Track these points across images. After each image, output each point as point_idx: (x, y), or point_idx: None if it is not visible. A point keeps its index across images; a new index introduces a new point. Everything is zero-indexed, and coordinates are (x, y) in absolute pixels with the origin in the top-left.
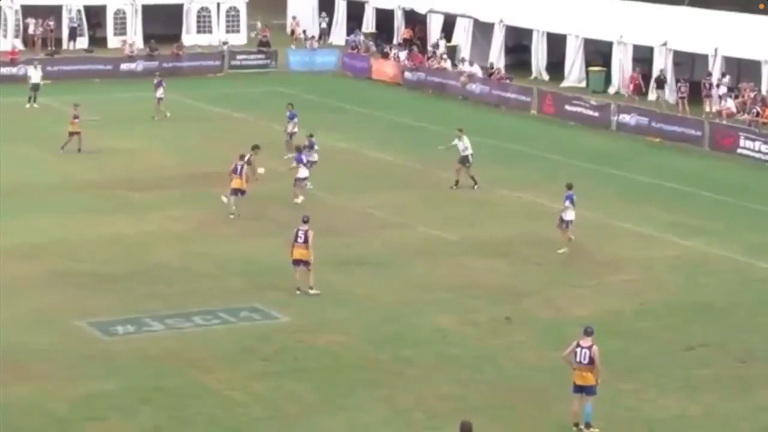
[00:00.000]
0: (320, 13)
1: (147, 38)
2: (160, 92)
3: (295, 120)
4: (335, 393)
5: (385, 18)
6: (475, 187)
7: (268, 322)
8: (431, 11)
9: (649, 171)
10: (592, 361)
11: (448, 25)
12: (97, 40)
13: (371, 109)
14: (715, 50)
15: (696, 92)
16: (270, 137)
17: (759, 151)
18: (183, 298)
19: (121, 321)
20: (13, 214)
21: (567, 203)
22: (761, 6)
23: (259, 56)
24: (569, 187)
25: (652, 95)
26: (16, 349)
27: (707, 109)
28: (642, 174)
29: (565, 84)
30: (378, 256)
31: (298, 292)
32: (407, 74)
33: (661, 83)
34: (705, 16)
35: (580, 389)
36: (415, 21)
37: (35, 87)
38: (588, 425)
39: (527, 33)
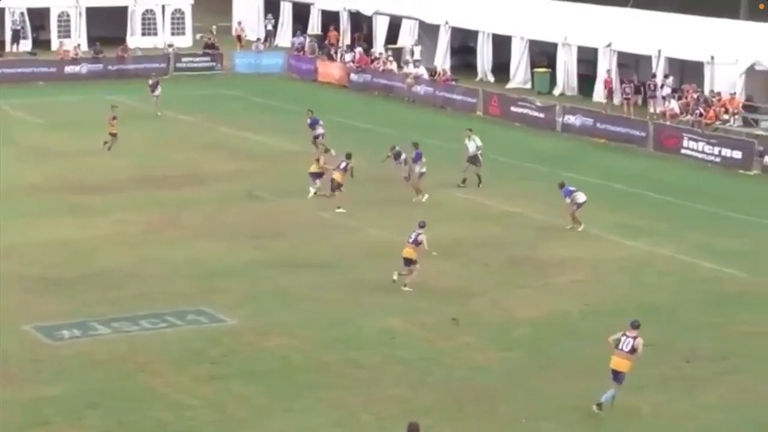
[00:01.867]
0: (266, 15)
1: (91, 41)
2: (158, 91)
3: (320, 123)
4: (283, 395)
5: (331, 20)
6: (480, 185)
7: (215, 325)
8: (377, 13)
9: (594, 172)
10: (633, 350)
11: (394, 27)
12: (41, 43)
13: (318, 112)
14: (659, 52)
15: (641, 93)
16: (217, 139)
17: (702, 152)
18: (130, 301)
19: (67, 325)
20: None
21: (567, 199)
22: (761, 6)
23: (205, 59)
24: (561, 185)
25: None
26: None
27: (651, 110)
28: (588, 175)
29: (510, 85)
30: (325, 258)
31: (395, 277)
32: (353, 76)
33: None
34: (648, 18)
35: (616, 375)
36: (361, 23)
37: None
38: (600, 406)
39: (473, 35)
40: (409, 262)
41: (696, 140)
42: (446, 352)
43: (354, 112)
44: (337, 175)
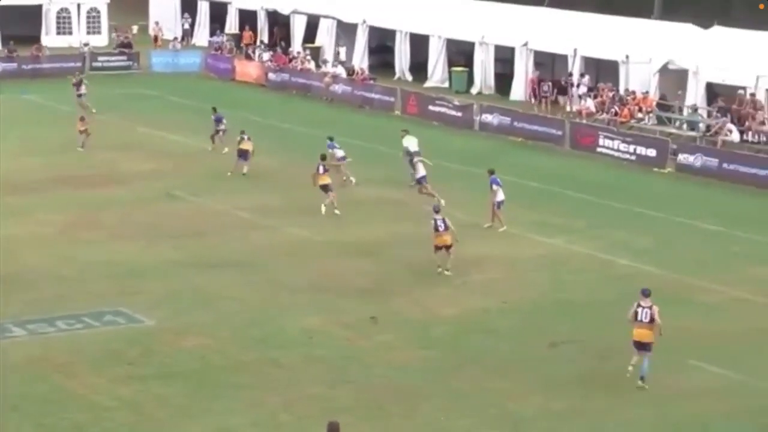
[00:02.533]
0: (183, 14)
1: (5, 40)
2: (82, 89)
3: (223, 120)
4: (202, 396)
5: (248, 19)
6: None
7: (133, 326)
8: (294, 12)
9: (512, 170)
10: (652, 319)
11: (312, 26)
12: None
13: (235, 111)
14: (575, 51)
15: (558, 92)
16: (134, 138)
17: (618, 150)
18: (47, 303)
19: None
20: None
21: (494, 187)
22: (761, 6)
23: (121, 58)
24: (491, 172)
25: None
26: None
27: (567, 108)
28: (505, 173)
29: (428, 84)
30: (244, 258)
31: (439, 270)
32: (271, 75)
33: (563, 90)
34: (564, 17)
35: (641, 346)
36: (279, 22)
37: None
38: (643, 379)
39: (390, 34)
40: (448, 247)
41: (612, 138)
42: (366, 351)
43: (272, 112)
44: (322, 179)
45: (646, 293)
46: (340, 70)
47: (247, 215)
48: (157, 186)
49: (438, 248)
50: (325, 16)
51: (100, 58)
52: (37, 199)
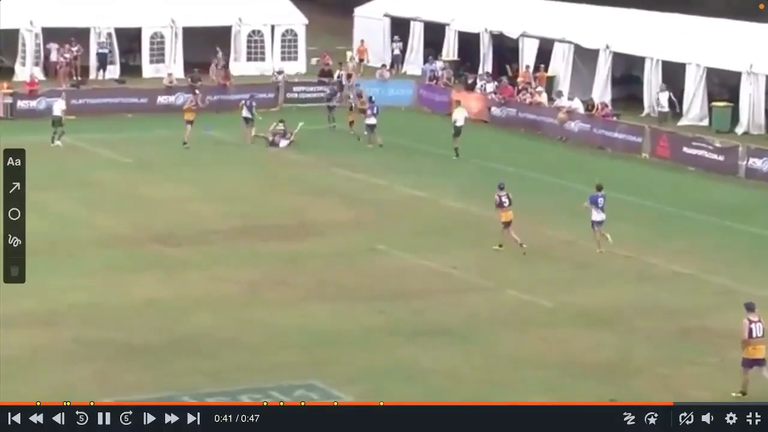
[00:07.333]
0: (392, 37)
1: (188, 67)
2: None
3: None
4: None
5: (469, 43)
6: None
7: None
8: (524, 35)
9: None
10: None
11: (544, 51)
12: (131, 69)
13: (452, 151)
14: None
15: None
16: (331, 182)
17: None
18: (228, 373)
19: (153, 400)
20: (31, 274)
21: (586, 204)
22: (761, 6)
23: (320, 88)
24: (599, 188)
25: None
26: None
27: None
28: None
29: (683, 122)
30: (459, 326)
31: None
32: (495, 110)
33: None
34: None
35: (756, 362)
36: (505, 47)
37: (56, 121)
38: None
39: (638, 61)
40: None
41: None
42: None
43: (495, 153)
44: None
45: (752, 307)
46: (577, 104)
47: (463, 274)
48: (356, 239)
49: (506, 225)
50: (561, 41)
51: (296, 89)
52: (216, 252)
